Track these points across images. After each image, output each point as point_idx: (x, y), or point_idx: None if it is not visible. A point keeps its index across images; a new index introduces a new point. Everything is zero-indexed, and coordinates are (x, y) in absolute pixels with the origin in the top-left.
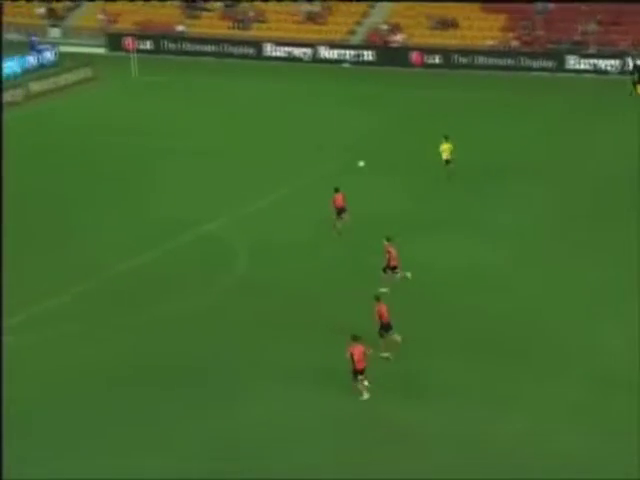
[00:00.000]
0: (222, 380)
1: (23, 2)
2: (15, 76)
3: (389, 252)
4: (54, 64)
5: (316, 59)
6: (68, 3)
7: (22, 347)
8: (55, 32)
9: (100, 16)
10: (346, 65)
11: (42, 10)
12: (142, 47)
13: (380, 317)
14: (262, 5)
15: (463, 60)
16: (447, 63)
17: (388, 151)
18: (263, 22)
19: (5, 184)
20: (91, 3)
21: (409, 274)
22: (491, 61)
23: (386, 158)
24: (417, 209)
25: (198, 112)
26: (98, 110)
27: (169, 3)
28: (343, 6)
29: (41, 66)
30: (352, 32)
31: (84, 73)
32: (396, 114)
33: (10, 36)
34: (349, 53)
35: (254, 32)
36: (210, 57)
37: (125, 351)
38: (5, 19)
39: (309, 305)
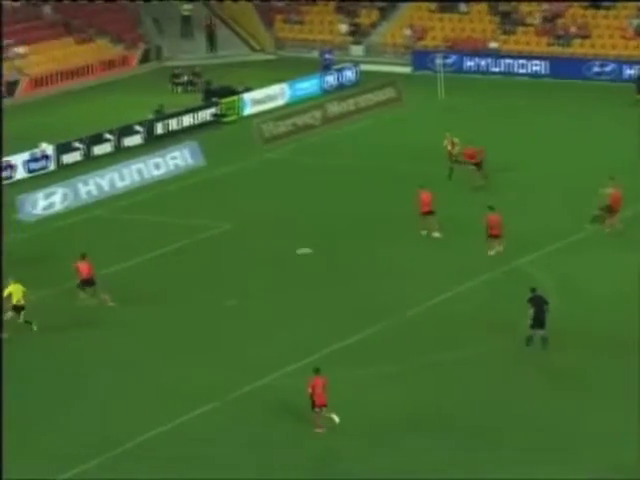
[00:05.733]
0: (516, 443)
1: (326, 19)
2: (313, 97)
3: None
4: (355, 84)
5: None
6: (373, 18)
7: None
8: (357, 50)
9: (407, 31)
10: None
11: (345, 27)
12: (450, 65)
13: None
14: (586, 19)
15: None
16: None
17: None
18: (586, 37)
19: (300, 208)
20: (398, 17)
21: None
22: None
23: None
24: None
25: (512, 140)
26: (399, 134)
27: (482, 16)
28: None
29: (341, 86)
30: None
31: (387, 94)
32: None
33: (310, 54)
34: None
35: (575, 49)
36: (525, 77)
37: (420, 396)
38: (308, 36)
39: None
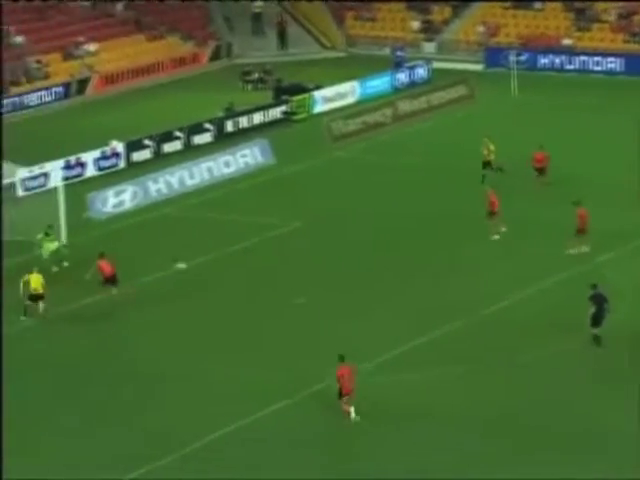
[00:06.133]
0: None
1: (398, 16)
2: (384, 95)
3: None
4: (426, 82)
5: None
6: (446, 15)
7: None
8: (429, 47)
9: (480, 28)
10: None
11: (417, 23)
12: (524, 62)
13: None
14: None
15: None
16: None
17: None
18: None
19: (370, 206)
20: (470, 14)
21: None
22: None
23: None
24: None
25: (586, 137)
26: (471, 132)
27: (556, 13)
28: None
29: (412, 84)
30: None
31: (459, 91)
32: None
33: (381, 52)
34: None
35: None
36: (600, 75)
37: (493, 397)
38: (379, 33)
39: None
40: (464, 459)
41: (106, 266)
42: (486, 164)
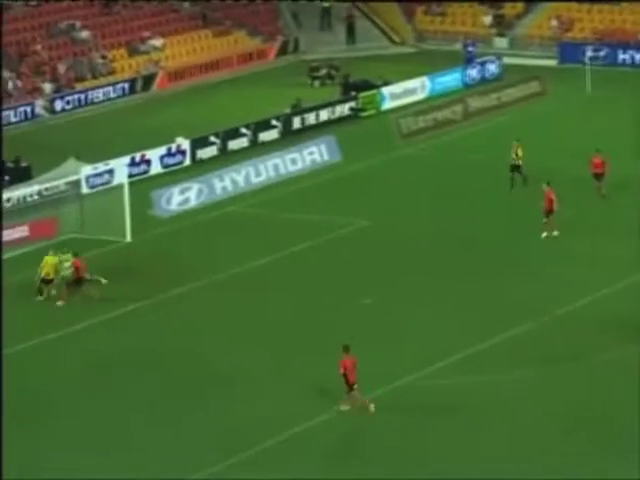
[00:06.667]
0: None
1: (469, 10)
2: (455, 91)
3: None
4: (498, 78)
5: None
6: (519, 9)
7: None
8: (501, 42)
9: (554, 23)
10: None
11: (489, 18)
12: (603, 58)
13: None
14: None
15: None
16: None
17: None
18: None
19: (440, 204)
20: (544, 8)
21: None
22: None
23: None
24: None
25: None
26: (542, 130)
27: (634, 7)
28: None
29: (483, 80)
30: None
31: (530, 88)
32: None
33: (452, 47)
34: None
35: None
36: None
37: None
38: (450, 28)
39: None
40: (538, 461)
41: (82, 266)
42: (515, 168)
